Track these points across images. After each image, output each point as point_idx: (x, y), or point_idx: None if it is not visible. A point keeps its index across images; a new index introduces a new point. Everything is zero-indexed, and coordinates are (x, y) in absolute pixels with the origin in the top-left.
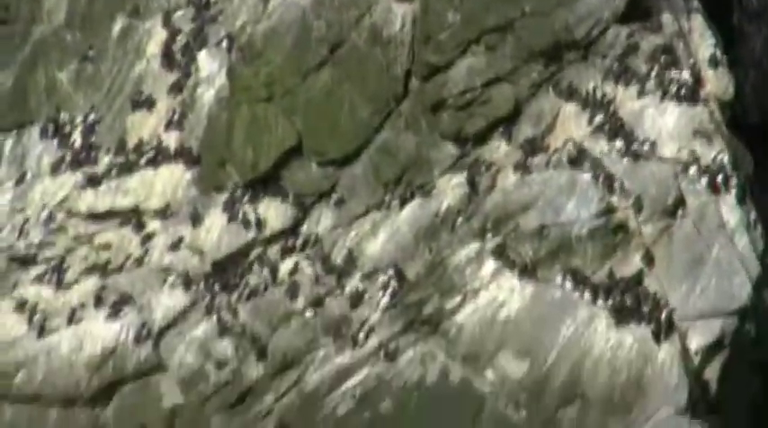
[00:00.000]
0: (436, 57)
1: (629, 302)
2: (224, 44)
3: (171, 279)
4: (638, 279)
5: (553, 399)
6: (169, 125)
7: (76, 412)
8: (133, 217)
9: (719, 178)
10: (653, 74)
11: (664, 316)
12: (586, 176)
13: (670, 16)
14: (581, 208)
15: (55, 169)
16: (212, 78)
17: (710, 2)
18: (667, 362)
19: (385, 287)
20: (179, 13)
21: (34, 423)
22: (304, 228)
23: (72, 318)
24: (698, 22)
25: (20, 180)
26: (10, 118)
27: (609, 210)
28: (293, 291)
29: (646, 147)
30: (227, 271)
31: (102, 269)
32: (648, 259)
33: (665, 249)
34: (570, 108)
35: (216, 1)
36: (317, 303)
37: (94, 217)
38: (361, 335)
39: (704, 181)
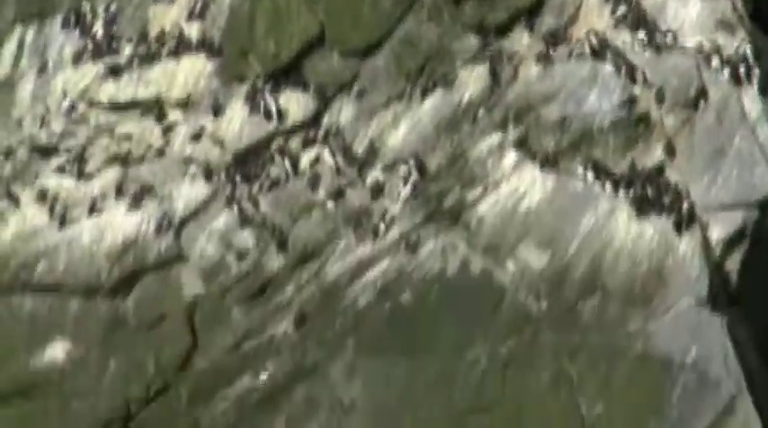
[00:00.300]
0: None
1: (651, 193)
2: None
3: (192, 169)
4: (659, 170)
5: (573, 290)
6: (191, 16)
7: (97, 302)
8: (155, 107)
9: (741, 69)
10: None
11: (685, 207)
12: (608, 67)
13: None
14: (603, 99)
15: (76, 59)
16: None
17: None
18: (688, 254)
19: (406, 178)
20: None
21: (55, 313)
22: (325, 120)
23: (93, 209)
24: None
25: (41, 70)
26: (32, 8)
27: (631, 101)
28: (314, 182)
29: (668, 39)
30: (248, 162)
31: (123, 160)
32: (670, 150)
33: (686, 140)
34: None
35: None
36: (337, 194)
37: (116, 107)
38: (382, 227)
39: (726, 72)
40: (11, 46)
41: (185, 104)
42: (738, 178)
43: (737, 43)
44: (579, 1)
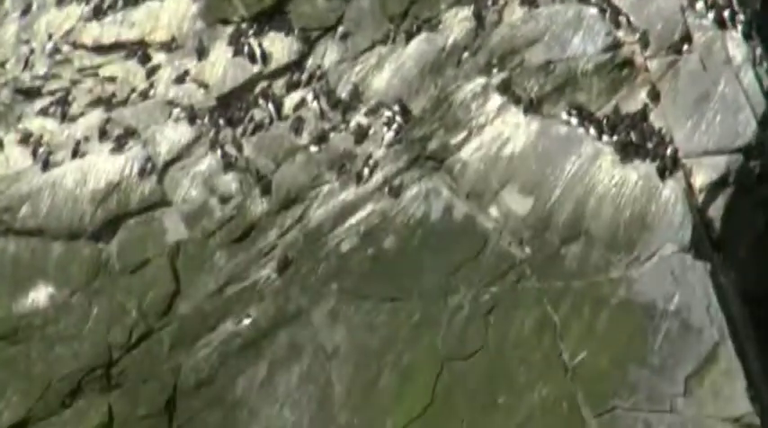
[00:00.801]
0: None
1: (635, 138)
2: None
3: (176, 112)
4: (643, 115)
5: (557, 236)
6: None
7: (80, 245)
8: (138, 49)
9: (726, 13)
10: None
11: (669, 152)
12: (593, 11)
13: None
14: (587, 43)
15: (60, 1)
16: None
17: None
18: (672, 199)
19: (390, 122)
20: None
21: (38, 257)
22: (309, 63)
23: (77, 152)
24: None
25: (25, 11)
26: None
27: (615, 45)
28: (298, 126)
29: None
30: (231, 105)
31: (106, 102)
32: (654, 95)
33: (670, 85)
34: None
35: None
36: (321, 138)
37: (100, 49)
38: (366, 171)
39: (711, 15)
40: None
41: (169, 46)
42: (722, 123)
43: None
44: None
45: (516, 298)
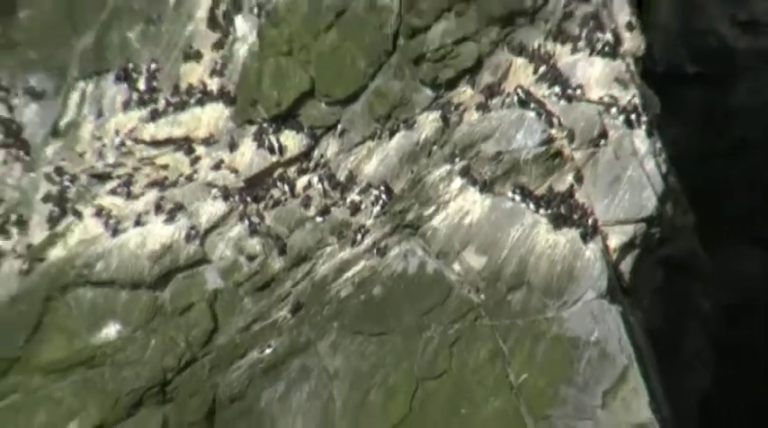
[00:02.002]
0: (418, 21)
1: (564, 211)
2: (255, 11)
3: (213, 192)
4: (570, 193)
5: (505, 285)
6: (213, 73)
7: (141, 293)
8: (185, 144)
9: (633, 116)
10: (583, 35)
11: (590, 222)
12: (532, 114)
13: None
14: (527, 138)
15: (125, 106)
16: (246, 37)
17: None
18: (592, 258)
19: (377, 199)
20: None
21: (109, 302)
22: (315, 154)
23: (138, 222)
24: None
25: (98, 115)
26: (91, 67)
27: (549, 140)
28: (306, 202)
29: (577, 92)
30: (256, 186)
31: (161, 184)
32: (579, 178)
33: (591, 170)
34: (520, 61)
35: None
36: (324, 211)
37: (155, 143)
38: (359, 236)
39: (622, 118)
40: (75, 97)
41: (208, 141)
42: (630, 200)
43: (630, 96)
44: (509, 62)
45: (474, 334)
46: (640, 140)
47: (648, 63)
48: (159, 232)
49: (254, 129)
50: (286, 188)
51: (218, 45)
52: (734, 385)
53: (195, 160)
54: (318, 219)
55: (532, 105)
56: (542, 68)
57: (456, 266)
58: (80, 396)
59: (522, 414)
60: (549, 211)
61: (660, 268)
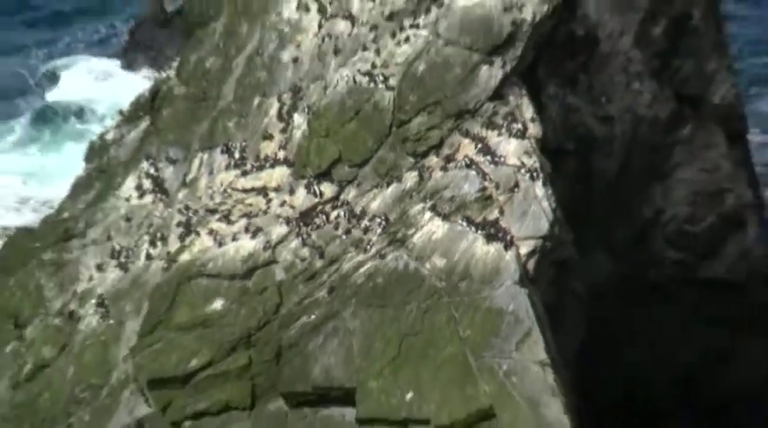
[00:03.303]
0: (404, 116)
1: (493, 232)
2: (306, 110)
3: (280, 220)
4: (496, 221)
5: (457, 277)
6: (280, 148)
7: (236, 282)
8: (262, 191)
9: (534, 174)
10: (504, 125)
11: (509, 238)
12: (473, 172)
13: (513, 96)
14: (471, 187)
15: (227, 168)
16: (300, 125)
17: (532, 82)
18: (510, 260)
19: (379, 224)
20: (285, 95)
21: (216, 287)
22: (342, 197)
23: (234, 238)
24: (525, 100)
25: (210, 173)
26: (206, 144)
27: (483, 189)
28: (336, 226)
29: (501, 159)
30: (306, 216)
31: (248, 216)
32: (501, 211)
33: (509, 207)
34: (466, 141)
35: (300, 88)
36: (347, 232)
37: (245, 191)
38: (368, 247)
39: (528, 175)
40: (196, 162)
41: (277, 189)
42: (533, 225)
43: (533, 162)
44: (459, 142)
45: (438, 307)
46: (538, 188)
47: (544, 142)
48: (246, 245)
49: (305, 181)
50: (324, 218)
51: (283, 131)
52: (597, 343)
53: (269, 201)
54: (344, 237)
55: (474, 167)
56: (480, 145)
57: (427, 265)
58: (198, 343)
59: (467, 355)
60: (484, 232)
61: (551, 265)
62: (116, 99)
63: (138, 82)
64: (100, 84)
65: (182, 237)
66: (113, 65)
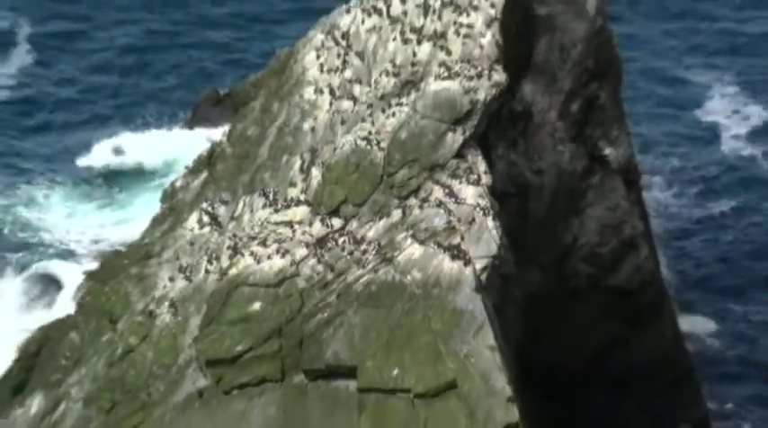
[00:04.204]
0: (391, 169)
1: (456, 253)
2: (321, 165)
3: (302, 244)
4: (459, 245)
5: (429, 286)
6: (302, 192)
7: (270, 289)
8: (289, 223)
9: (486, 211)
10: (465, 176)
11: (468, 257)
12: (442, 211)
13: (471, 155)
14: (440, 221)
15: (263, 207)
16: (316, 176)
17: (484, 145)
18: (469, 274)
19: (374, 248)
20: (305, 154)
21: (255, 293)
22: (347, 228)
23: (269, 258)
24: (480, 158)
25: (251, 211)
26: (248, 190)
27: (449, 222)
28: (343, 249)
29: (463, 200)
30: (322, 241)
31: (279, 241)
32: (462, 238)
33: (468, 235)
34: (437, 187)
35: (317, 149)
36: (351, 253)
37: (275, 223)
38: (366, 264)
39: (482, 212)
40: (241, 203)
41: (300, 222)
42: (485, 247)
43: (485, 202)
44: (432, 188)
45: (415, 308)
46: (489, 222)
47: (493, 188)
48: (277, 263)
49: (320, 217)
50: (334, 243)
51: (304, 180)
52: (531, 333)
53: (294, 231)
54: (348, 257)
55: (442, 206)
56: (446, 190)
57: (409, 277)
58: (243, 333)
59: (437, 342)
60: (450, 253)
61: (498, 277)
62: (184, 157)
63: (200, 144)
64: (173, 147)
65: (230, 257)
66: (181, 133)
